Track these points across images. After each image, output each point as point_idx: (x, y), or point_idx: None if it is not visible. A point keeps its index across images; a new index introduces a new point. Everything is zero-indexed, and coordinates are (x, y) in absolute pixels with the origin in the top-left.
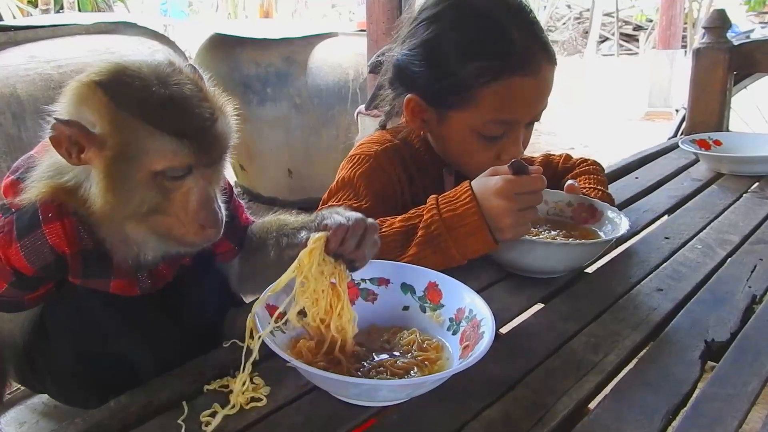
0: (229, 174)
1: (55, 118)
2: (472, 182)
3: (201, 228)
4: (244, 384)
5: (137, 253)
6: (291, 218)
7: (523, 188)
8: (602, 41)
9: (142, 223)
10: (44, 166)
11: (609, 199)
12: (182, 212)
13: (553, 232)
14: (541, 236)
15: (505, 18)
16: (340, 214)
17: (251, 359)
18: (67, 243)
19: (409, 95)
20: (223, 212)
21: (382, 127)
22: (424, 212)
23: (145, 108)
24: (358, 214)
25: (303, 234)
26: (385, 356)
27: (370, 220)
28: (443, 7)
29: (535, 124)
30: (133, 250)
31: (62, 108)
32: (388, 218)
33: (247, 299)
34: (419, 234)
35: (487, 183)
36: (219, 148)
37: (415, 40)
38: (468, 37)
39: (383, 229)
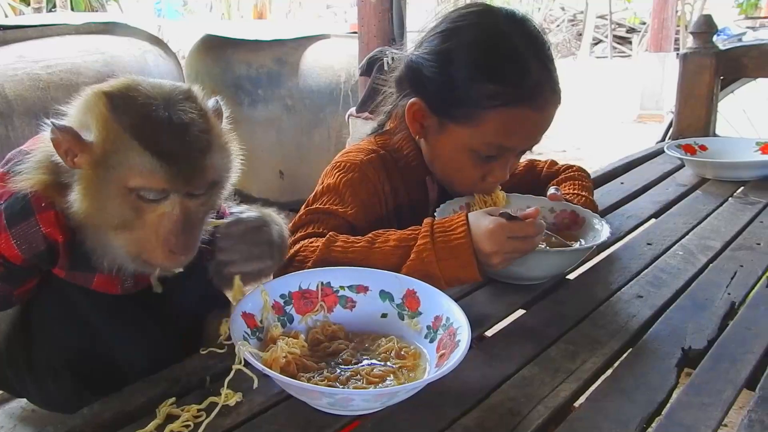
0: None
1: (53, 123)
2: (469, 215)
3: (171, 253)
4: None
5: (113, 261)
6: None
7: (514, 233)
8: (596, 43)
9: (115, 237)
10: (38, 161)
11: (592, 206)
12: (153, 235)
13: None
14: None
15: (525, 49)
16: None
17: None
18: (60, 231)
19: (414, 99)
20: (202, 237)
21: (381, 126)
22: (419, 237)
23: (137, 124)
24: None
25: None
26: (362, 364)
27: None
28: (467, 23)
29: None
30: (110, 257)
31: (70, 111)
32: (382, 232)
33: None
34: (411, 257)
35: (481, 222)
36: (204, 180)
37: (433, 47)
38: (487, 58)
39: (376, 244)
